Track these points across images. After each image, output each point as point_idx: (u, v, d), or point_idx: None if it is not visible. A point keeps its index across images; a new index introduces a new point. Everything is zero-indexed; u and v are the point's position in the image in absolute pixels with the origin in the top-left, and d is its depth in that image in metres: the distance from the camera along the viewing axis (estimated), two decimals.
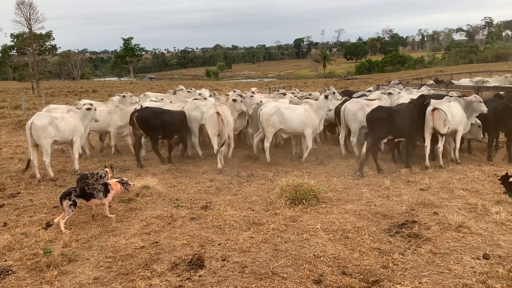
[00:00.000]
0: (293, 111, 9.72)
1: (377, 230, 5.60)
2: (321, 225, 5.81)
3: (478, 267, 4.47)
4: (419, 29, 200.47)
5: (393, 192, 7.30)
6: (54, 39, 54.98)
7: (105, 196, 6.33)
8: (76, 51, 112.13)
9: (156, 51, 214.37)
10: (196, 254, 4.93)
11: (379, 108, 9.10)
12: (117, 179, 6.71)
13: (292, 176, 8.17)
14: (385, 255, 4.81)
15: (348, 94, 12.79)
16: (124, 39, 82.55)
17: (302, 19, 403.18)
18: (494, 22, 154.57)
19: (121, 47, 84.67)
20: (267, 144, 9.70)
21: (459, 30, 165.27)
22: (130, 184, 6.71)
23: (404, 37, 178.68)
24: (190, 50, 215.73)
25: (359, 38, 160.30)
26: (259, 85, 47.88)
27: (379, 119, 8.73)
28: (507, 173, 7.11)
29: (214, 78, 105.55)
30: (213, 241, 5.40)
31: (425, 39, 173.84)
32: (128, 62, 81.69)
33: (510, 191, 6.86)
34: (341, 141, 10.36)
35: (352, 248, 5.07)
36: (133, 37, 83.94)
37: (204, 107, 10.20)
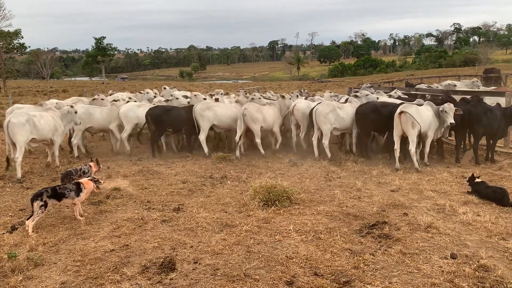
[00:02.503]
0: (227, 109, 10.92)
1: (348, 231, 5.66)
2: (293, 226, 5.83)
3: (446, 266, 4.57)
4: (391, 34, 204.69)
5: (364, 193, 7.40)
6: (22, 37, 53.35)
7: (77, 195, 6.17)
8: (46, 49, 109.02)
9: (129, 51, 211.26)
10: (168, 257, 4.86)
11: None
12: (89, 178, 6.55)
13: (266, 178, 8.21)
14: (356, 256, 4.86)
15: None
16: (96, 39, 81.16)
17: (276, 21, 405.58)
18: (462, 28, 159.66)
19: (93, 47, 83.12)
20: (202, 138, 10.78)
21: (429, 35, 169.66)
22: (100, 182, 6.58)
23: (376, 41, 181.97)
24: (163, 50, 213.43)
25: (333, 41, 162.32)
26: (234, 87, 47.86)
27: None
28: (473, 174, 7.38)
29: (188, 79, 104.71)
30: (185, 244, 5.33)
31: (397, 44, 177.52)
32: (100, 61, 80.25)
33: (476, 191, 7.08)
34: (314, 142, 10.48)
35: (324, 249, 5.11)
36: (105, 37, 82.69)
37: (216, 107, 10.97)
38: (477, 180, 7.22)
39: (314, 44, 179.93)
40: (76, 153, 10.84)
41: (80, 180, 6.49)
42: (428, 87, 16.50)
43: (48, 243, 5.44)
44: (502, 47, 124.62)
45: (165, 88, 15.83)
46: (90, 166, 7.69)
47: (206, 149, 10.75)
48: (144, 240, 5.47)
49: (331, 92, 14.37)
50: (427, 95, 11.91)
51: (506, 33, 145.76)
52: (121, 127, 11.29)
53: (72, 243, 5.47)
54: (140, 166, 9.63)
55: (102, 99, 12.66)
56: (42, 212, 5.90)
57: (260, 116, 10.62)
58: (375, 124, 10.06)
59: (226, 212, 6.51)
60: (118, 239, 5.55)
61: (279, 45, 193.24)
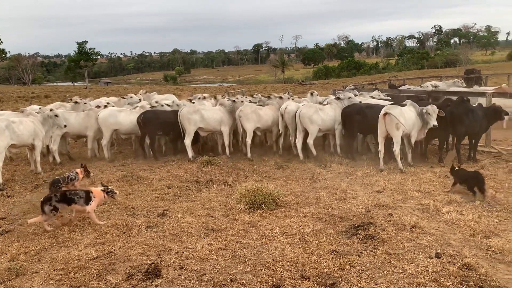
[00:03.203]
0: (213, 112, 11.10)
1: (334, 233, 5.67)
2: (280, 229, 5.82)
3: (430, 266, 4.60)
4: (373, 36, 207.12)
5: (349, 195, 7.44)
6: (2, 42, 52.66)
7: (87, 204, 6.17)
8: (27, 55, 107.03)
9: (112, 55, 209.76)
10: (153, 263, 4.79)
11: None
12: (101, 188, 6.53)
13: (252, 181, 8.20)
14: (342, 257, 4.87)
15: None
16: (78, 43, 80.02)
17: (260, 24, 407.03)
18: (443, 30, 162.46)
19: (75, 51, 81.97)
20: (187, 142, 10.79)
21: (411, 37, 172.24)
22: (116, 193, 6.57)
23: (359, 43, 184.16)
24: (147, 54, 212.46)
25: (316, 44, 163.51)
26: (219, 90, 47.78)
27: None
28: (453, 164, 7.81)
29: (172, 83, 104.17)
30: (170, 250, 5.27)
31: (379, 46, 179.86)
32: (83, 66, 79.22)
33: (458, 178, 7.43)
34: (298, 145, 10.57)
35: (310, 251, 5.10)
36: (87, 41, 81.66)
37: (203, 110, 10.98)
38: (456, 168, 7.61)
39: (298, 47, 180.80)
40: (58, 159, 10.66)
41: (90, 189, 6.46)
42: (431, 85, 16.76)
43: (29, 252, 5.32)
44: (481, 48, 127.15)
45: (144, 92, 15.63)
46: (77, 172, 7.61)
47: (190, 153, 10.68)
48: (128, 247, 5.39)
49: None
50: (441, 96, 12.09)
51: (486, 34, 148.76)
52: (99, 133, 11.18)
53: (55, 251, 5.36)
54: (124, 172, 9.51)
55: (85, 103, 12.57)
56: (54, 215, 6.09)
57: (254, 116, 10.94)
58: (360, 125, 10.17)
59: (212, 217, 6.47)
60: (102, 246, 5.46)
61: (263, 48, 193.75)
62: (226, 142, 11.11)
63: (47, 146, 10.84)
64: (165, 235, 5.76)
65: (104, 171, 9.79)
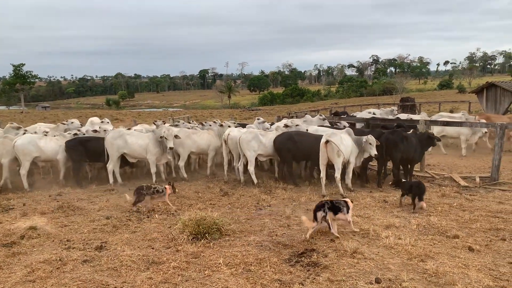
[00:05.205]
0: (138, 138, 11.04)
1: (278, 261, 5.65)
2: (223, 259, 5.71)
3: None
4: (315, 64, 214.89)
5: (293, 221, 7.48)
6: None
7: (347, 212, 6.61)
8: None
9: (52, 78, 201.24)
10: None
11: None
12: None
13: (196, 209, 8.03)
14: (286, 286, 4.85)
15: None
16: (14, 65, 76.26)
17: (206, 50, 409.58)
18: (380, 60, 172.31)
19: (11, 74, 77.99)
20: (110, 167, 10.84)
21: (350, 66, 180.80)
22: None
23: (302, 71, 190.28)
24: (89, 78, 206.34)
25: (262, 71, 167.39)
26: (164, 115, 47.11)
27: None
28: (400, 178, 8.89)
29: (115, 107, 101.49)
30: (108, 285, 5.00)
31: (321, 74, 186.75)
32: (19, 89, 75.37)
33: (404, 189, 8.30)
34: (240, 168, 10.86)
35: (254, 281, 5.03)
36: (24, 64, 77.95)
37: (127, 135, 10.91)
38: (403, 181, 8.67)
39: (244, 74, 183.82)
40: None
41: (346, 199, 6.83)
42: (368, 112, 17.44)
43: None
44: (415, 77, 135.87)
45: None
46: (165, 188, 8.41)
47: (111, 179, 10.75)
48: (62, 284, 5.05)
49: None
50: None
51: (418, 64, 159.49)
52: (15, 161, 10.81)
53: None
54: (60, 202, 9.00)
55: (19, 128, 12.19)
56: (322, 222, 6.46)
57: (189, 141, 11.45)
58: (291, 152, 10.44)
59: (153, 248, 6.23)
60: (33, 284, 5.08)
61: (209, 74, 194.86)
62: (153, 170, 10.98)
63: None
64: (103, 270, 5.46)
65: (38, 201, 9.23)
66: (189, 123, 15.28)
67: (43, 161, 11.29)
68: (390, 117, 17.49)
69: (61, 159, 11.06)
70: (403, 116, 17.57)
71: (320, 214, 6.43)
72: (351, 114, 20.55)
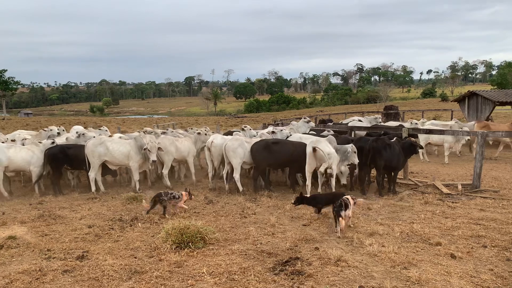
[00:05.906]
0: (120, 145, 10.90)
1: (262, 270, 5.62)
2: (207, 268, 5.65)
3: None
4: (301, 72, 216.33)
5: (278, 229, 7.47)
6: None
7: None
8: None
9: (35, 84, 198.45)
10: None
11: None
12: None
13: (179, 218, 7.96)
14: None
15: None
16: None
17: (192, 57, 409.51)
18: (364, 68, 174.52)
19: None
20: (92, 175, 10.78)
21: (335, 74, 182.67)
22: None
23: (288, 79, 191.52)
24: (73, 84, 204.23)
25: (248, 78, 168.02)
26: (149, 122, 46.80)
27: None
28: (301, 193, 8.46)
29: (99, 114, 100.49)
30: None
31: (307, 82, 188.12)
32: (0, 96, 74.06)
33: (313, 205, 8.21)
34: (224, 176, 10.90)
35: None
36: (6, 70, 76.67)
37: (108, 142, 10.80)
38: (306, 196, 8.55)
39: (230, 81, 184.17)
40: None
41: None
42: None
43: None
44: (399, 86, 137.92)
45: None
46: (182, 194, 8.66)
47: (94, 188, 10.73)
48: None
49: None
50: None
51: (402, 73, 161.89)
52: None
53: None
54: (40, 211, 8.84)
55: None
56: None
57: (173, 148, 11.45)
58: (267, 160, 10.44)
59: (135, 258, 6.14)
60: None
61: (195, 81, 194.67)
62: (136, 178, 10.85)
63: None
64: (84, 280, 5.36)
65: (18, 210, 9.05)
66: (171, 130, 15.20)
67: (13, 171, 10.84)
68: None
69: (33, 170, 10.60)
70: (395, 123, 18.01)
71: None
72: (340, 122, 20.83)
